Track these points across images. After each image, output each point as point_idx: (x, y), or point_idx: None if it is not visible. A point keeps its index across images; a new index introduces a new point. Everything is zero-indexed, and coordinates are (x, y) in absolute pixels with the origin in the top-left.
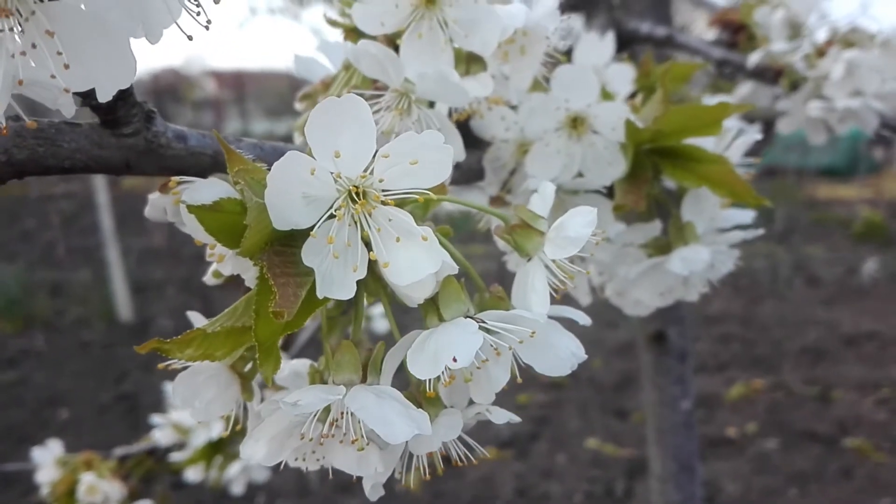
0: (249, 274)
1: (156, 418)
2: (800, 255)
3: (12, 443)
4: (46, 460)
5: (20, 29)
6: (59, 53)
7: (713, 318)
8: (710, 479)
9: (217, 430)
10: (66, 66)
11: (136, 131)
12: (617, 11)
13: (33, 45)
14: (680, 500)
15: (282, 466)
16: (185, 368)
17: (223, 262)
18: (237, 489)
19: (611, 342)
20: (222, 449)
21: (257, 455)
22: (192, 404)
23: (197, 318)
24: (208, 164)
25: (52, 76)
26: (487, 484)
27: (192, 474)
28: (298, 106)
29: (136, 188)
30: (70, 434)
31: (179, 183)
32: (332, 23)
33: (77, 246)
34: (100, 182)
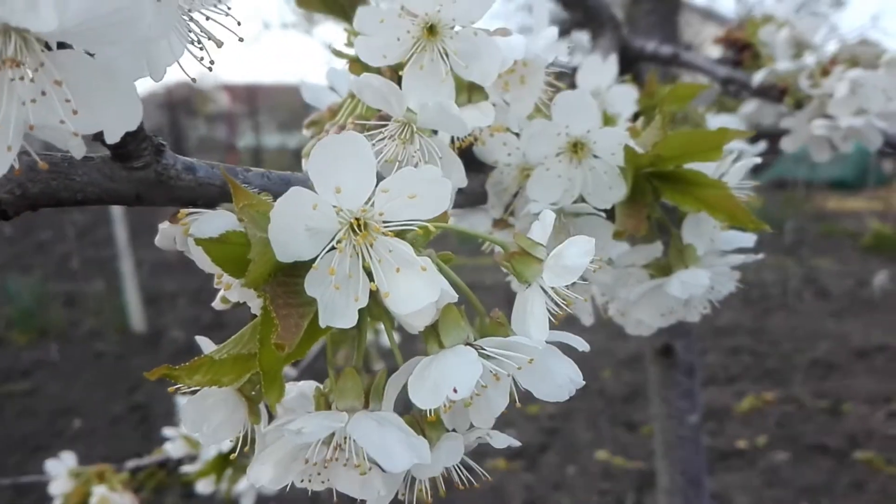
0: (255, 302)
1: (167, 431)
2: (809, 268)
3: (26, 453)
4: (60, 472)
5: (30, 77)
6: (68, 101)
7: (723, 331)
8: (721, 492)
9: (227, 444)
10: (75, 112)
11: (146, 164)
12: (623, 29)
13: (42, 93)
14: None
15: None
16: (194, 391)
17: (230, 290)
18: (247, 502)
19: (620, 353)
20: (233, 461)
21: (263, 478)
22: (201, 429)
23: (206, 344)
24: (216, 195)
25: (62, 121)
26: (497, 495)
27: (203, 486)
28: (306, 132)
29: None
30: (83, 444)
31: (188, 213)
32: (338, 54)
33: (91, 257)
34: None
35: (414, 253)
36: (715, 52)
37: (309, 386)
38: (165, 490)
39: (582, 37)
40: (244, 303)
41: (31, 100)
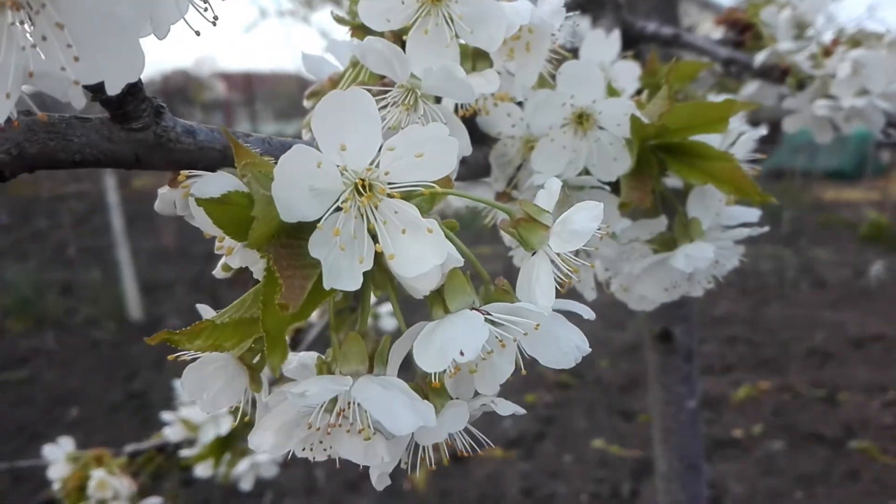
0: (258, 266)
1: (166, 415)
2: (806, 258)
3: (23, 440)
4: (58, 457)
5: (30, 21)
6: (69, 46)
7: (719, 320)
8: (716, 480)
9: (226, 427)
10: (76, 59)
11: (145, 126)
12: (623, 11)
13: (43, 38)
14: (685, 500)
15: (289, 463)
16: (194, 361)
17: (231, 255)
18: (246, 485)
19: (617, 343)
20: (231, 445)
21: (265, 444)
22: (200, 396)
23: (206, 311)
24: (217, 159)
25: (63, 68)
26: (493, 483)
27: (202, 470)
28: (306, 103)
29: (146, 188)
30: (80, 432)
31: (188, 177)
32: (340, 20)
33: (88, 246)
34: (111, 182)
35: (420, 214)
36: (716, 35)
37: (310, 356)
38: (164, 475)
39: (583, 22)
40: (245, 271)
41: (32, 45)
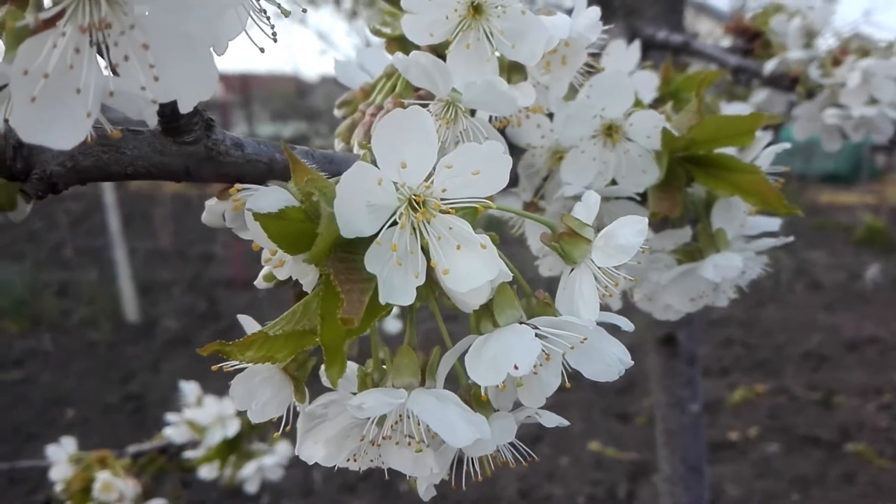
0: (308, 279)
1: (170, 416)
2: (802, 261)
3: (19, 442)
4: (60, 458)
5: (114, 42)
6: (151, 66)
7: (715, 323)
8: (713, 483)
9: (233, 429)
10: (156, 79)
11: (196, 139)
12: (632, 17)
13: (126, 58)
14: (688, 502)
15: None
16: (239, 371)
17: (281, 267)
18: (251, 488)
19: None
20: (237, 447)
21: (316, 456)
22: (250, 405)
23: (248, 323)
24: (263, 171)
25: (142, 88)
26: (490, 485)
27: (206, 472)
28: (337, 113)
29: (142, 189)
30: (76, 434)
31: (240, 190)
32: (377, 32)
33: (84, 246)
34: (106, 183)
35: (473, 231)
36: (725, 42)
37: (350, 367)
38: (161, 476)
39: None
40: (292, 280)
41: (114, 65)
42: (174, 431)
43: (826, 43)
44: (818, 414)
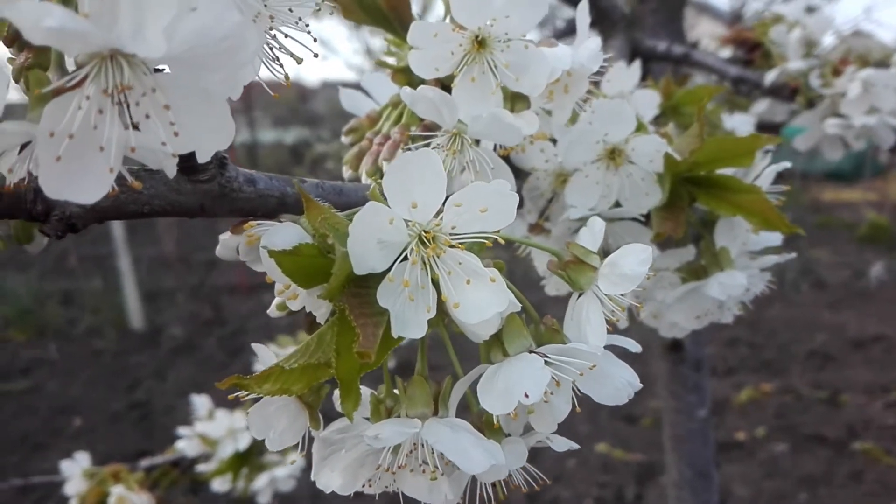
0: (321, 311)
1: (182, 429)
2: (806, 259)
3: (26, 451)
4: (74, 472)
5: (136, 102)
6: (172, 123)
7: (720, 323)
8: (721, 483)
9: (244, 442)
10: (176, 134)
11: (211, 177)
12: (633, 29)
13: (147, 116)
14: None
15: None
16: (256, 400)
17: (296, 300)
18: (263, 500)
19: (620, 347)
20: (249, 459)
21: (333, 484)
22: (267, 434)
23: (263, 352)
24: (274, 205)
25: (163, 143)
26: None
27: (219, 485)
28: (345, 140)
29: None
30: (83, 442)
31: (254, 225)
32: (382, 64)
33: (89, 255)
34: None
35: (482, 265)
36: (725, 52)
37: (364, 392)
38: (173, 488)
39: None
40: (305, 310)
41: (135, 124)
42: (186, 444)
43: (827, 41)
44: (825, 413)
